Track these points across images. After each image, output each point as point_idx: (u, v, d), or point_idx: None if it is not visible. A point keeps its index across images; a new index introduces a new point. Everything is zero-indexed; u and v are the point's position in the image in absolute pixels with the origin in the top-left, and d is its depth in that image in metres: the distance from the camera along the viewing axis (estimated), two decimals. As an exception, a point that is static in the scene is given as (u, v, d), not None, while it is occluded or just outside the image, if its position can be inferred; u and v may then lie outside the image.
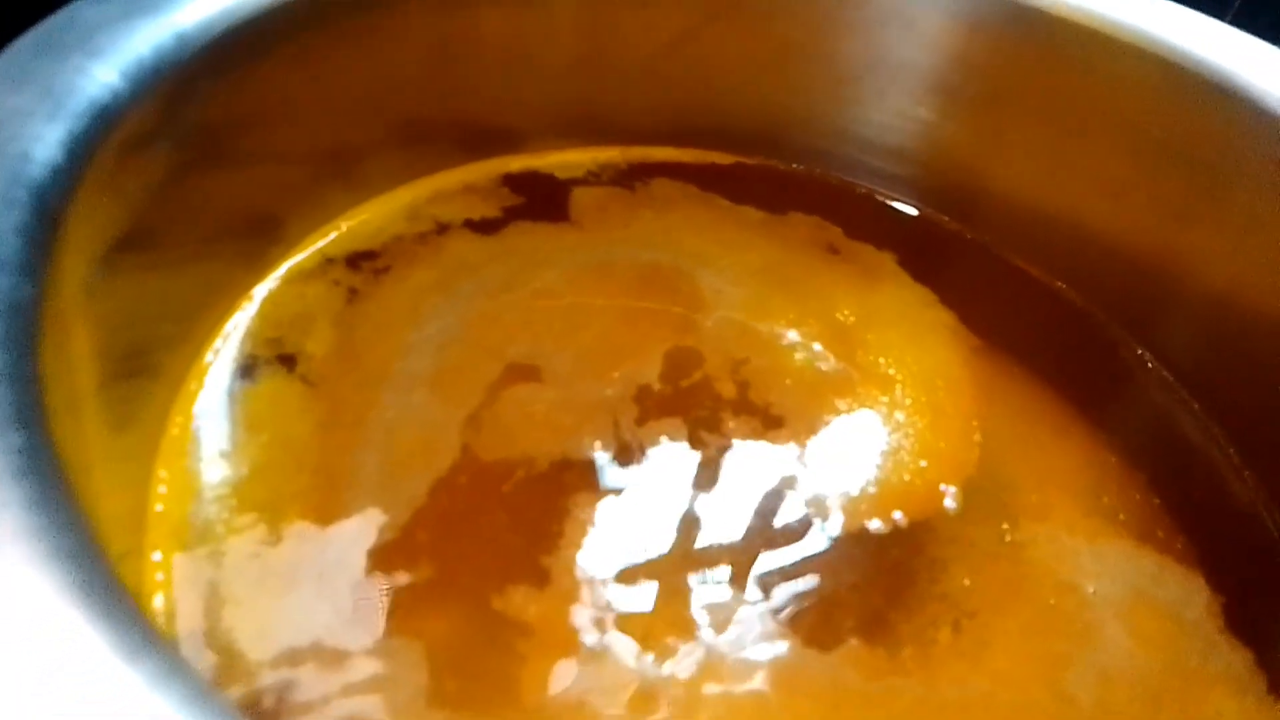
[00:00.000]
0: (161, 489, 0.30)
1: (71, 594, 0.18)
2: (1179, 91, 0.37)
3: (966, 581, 0.32)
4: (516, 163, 0.43)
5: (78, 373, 0.26)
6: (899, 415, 0.36)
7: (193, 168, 0.32)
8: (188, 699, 0.17)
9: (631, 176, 0.43)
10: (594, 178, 0.43)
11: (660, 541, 0.31)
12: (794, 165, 0.45)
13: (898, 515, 0.33)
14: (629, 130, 0.44)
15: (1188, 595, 0.33)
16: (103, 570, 0.19)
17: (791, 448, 0.34)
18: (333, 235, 0.38)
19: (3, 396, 0.21)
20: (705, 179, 0.43)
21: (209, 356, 0.34)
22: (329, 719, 0.27)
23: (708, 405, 0.35)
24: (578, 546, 0.31)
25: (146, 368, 0.31)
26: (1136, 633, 0.32)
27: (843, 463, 0.34)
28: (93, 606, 0.18)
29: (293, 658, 0.27)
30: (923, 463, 0.34)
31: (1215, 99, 0.36)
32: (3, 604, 0.18)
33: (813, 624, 0.30)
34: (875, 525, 0.33)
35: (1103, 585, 0.33)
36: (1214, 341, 0.39)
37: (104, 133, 0.28)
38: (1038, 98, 0.40)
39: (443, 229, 0.40)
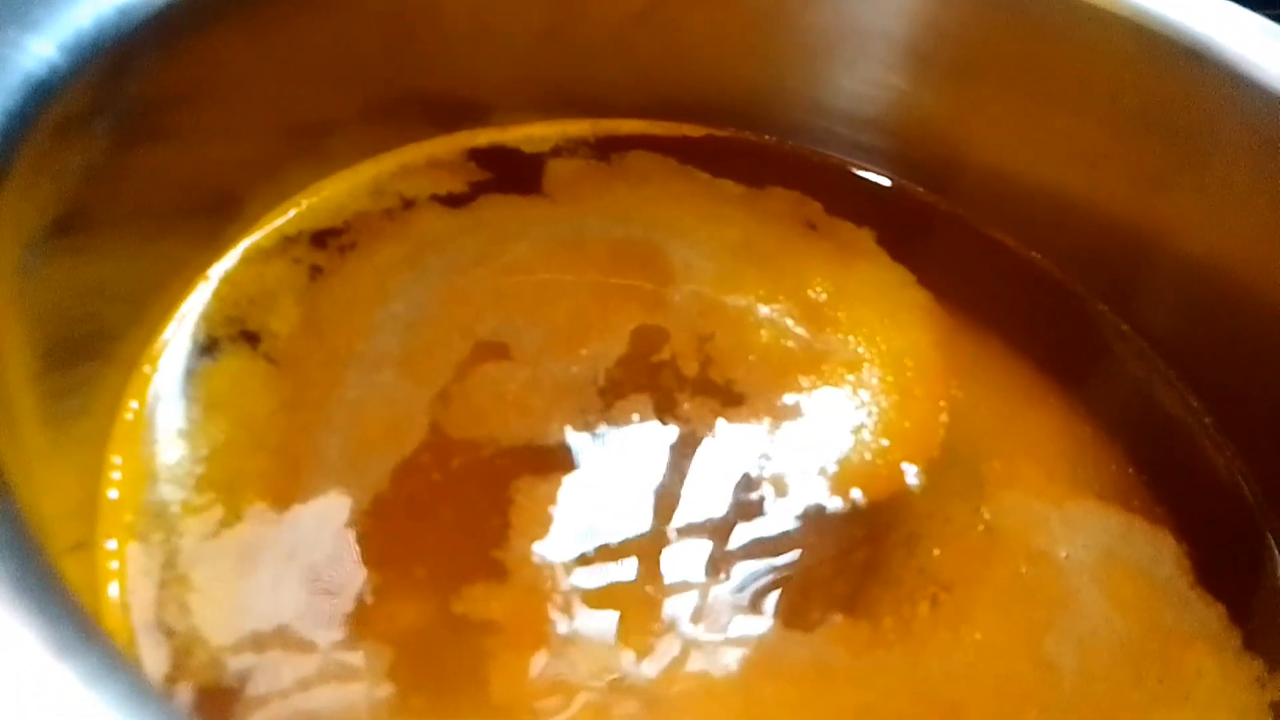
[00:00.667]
0: (115, 475, 0.29)
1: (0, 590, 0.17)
2: (1154, 58, 0.36)
3: (939, 554, 0.32)
4: (483, 137, 0.42)
5: (10, 363, 0.25)
6: (864, 394, 0.35)
7: (137, 145, 0.31)
8: (125, 696, 0.16)
9: (607, 149, 0.42)
10: (565, 150, 0.42)
11: (626, 524, 0.31)
12: (766, 137, 0.45)
13: (856, 494, 0.32)
14: (597, 103, 0.43)
15: (1157, 552, 0.33)
16: (37, 564, 0.18)
17: (752, 426, 0.34)
18: (292, 213, 0.37)
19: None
20: (683, 152, 0.43)
21: (164, 337, 0.33)
22: (293, 707, 0.26)
23: (671, 383, 0.35)
24: (542, 529, 0.30)
25: (96, 352, 0.30)
26: (1112, 595, 0.32)
27: (804, 442, 0.34)
28: (24, 602, 0.17)
29: (255, 643, 0.27)
30: (885, 442, 0.34)
31: (1191, 65, 0.36)
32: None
33: (790, 604, 0.30)
34: (835, 504, 0.32)
35: (1075, 550, 0.33)
36: (1192, 311, 0.38)
37: (40, 110, 0.27)
38: (1011, 66, 0.39)
39: (409, 204, 0.39)
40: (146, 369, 0.32)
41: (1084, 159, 0.39)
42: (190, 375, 0.32)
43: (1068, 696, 0.29)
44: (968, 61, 0.40)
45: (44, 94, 0.27)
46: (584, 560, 0.30)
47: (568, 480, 0.31)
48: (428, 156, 0.41)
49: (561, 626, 0.28)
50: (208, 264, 0.35)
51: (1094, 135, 0.39)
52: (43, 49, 0.27)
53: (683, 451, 0.33)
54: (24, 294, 0.26)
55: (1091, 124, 0.38)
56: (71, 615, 0.18)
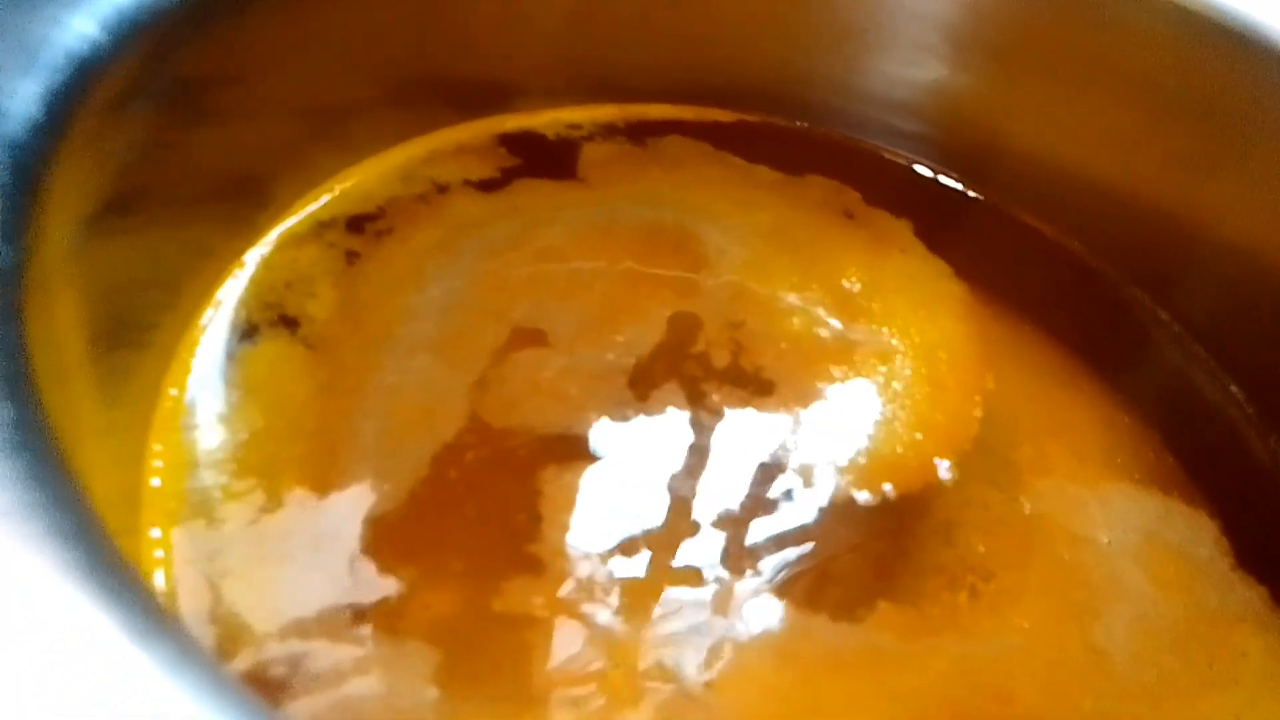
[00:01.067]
0: (156, 462, 0.29)
1: (74, 574, 0.17)
2: (1195, 41, 0.36)
3: (978, 542, 0.31)
4: (511, 122, 0.41)
5: (65, 342, 0.25)
6: (896, 386, 0.35)
7: (176, 126, 0.30)
8: (202, 682, 0.16)
9: (640, 133, 0.42)
10: (598, 135, 0.41)
11: (658, 514, 0.30)
12: (799, 123, 0.44)
13: (887, 487, 0.32)
14: (626, 87, 0.43)
15: (1196, 535, 0.33)
16: (105, 549, 0.18)
17: (781, 415, 0.34)
18: (325, 198, 0.37)
19: (-10, 367, 0.20)
20: (718, 137, 0.42)
21: (202, 323, 0.32)
22: (336, 695, 0.26)
23: (702, 372, 0.34)
24: (576, 520, 0.30)
25: (135, 340, 0.30)
26: (1155, 578, 0.31)
27: (833, 432, 0.33)
28: (97, 587, 0.17)
29: (298, 631, 0.27)
30: (917, 435, 0.34)
31: (1233, 48, 0.35)
32: (3, 586, 0.16)
33: (830, 594, 0.30)
34: (864, 497, 0.32)
35: (1115, 535, 0.32)
36: (1231, 297, 0.38)
37: (84, 88, 0.27)
38: (1049, 49, 0.39)
39: (442, 189, 0.38)
40: (184, 355, 0.32)
41: (1122, 144, 0.39)
42: (229, 360, 0.32)
43: (1120, 682, 0.29)
44: (1005, 45, 0.40)
45: (88, 72, 0.26)
46: (619, 550, 0.29)
47: (601, 470, 0.31)
48: (456, 142, 0.40)
49: (600, 617, 0.28)
50: (243, 250, 0.34)
51: (1131, 119, 0.38)
52: (85, 27, 0.27)
53: (713, 441, 0.33)
54: (75, 274, 0.25)
55: (1129, 108, 0.38)
56: (144, 601, 0.17)
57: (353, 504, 0.29)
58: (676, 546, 0.30)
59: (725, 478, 0.32)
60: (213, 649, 0.26)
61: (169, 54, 0.29)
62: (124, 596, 0.17)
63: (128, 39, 0.28)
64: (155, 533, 0.28)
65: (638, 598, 0.29)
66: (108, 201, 0.27)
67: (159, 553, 0.27)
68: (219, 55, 0.31)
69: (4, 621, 0.16)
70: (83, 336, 0.26)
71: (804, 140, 0.43)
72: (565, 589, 0.28)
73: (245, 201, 0.35)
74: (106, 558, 0.18)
